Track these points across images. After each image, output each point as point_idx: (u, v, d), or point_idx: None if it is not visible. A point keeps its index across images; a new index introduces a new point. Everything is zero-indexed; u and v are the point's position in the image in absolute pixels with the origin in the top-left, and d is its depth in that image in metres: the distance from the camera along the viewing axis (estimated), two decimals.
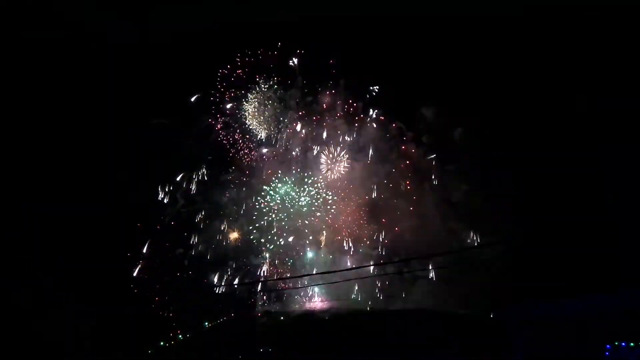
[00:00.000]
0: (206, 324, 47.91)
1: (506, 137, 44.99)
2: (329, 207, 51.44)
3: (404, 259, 46.63)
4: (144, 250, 47.67)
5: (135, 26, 48.42)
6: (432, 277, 45.61)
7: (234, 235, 50.43)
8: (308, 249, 50.31)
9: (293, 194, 51.61)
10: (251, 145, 52.85)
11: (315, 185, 51.98)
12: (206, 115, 51.64)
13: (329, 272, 43.57)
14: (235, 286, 48.42)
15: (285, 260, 50.08)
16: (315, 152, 52.04)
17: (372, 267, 44.28)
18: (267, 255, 50.13)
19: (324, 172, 51.80)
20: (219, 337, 43.82)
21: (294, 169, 51.87)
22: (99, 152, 47.37)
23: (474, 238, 46.63)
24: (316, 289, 48.38)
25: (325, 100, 52.95)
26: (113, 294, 42.16)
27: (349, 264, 47.12)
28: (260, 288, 47.61)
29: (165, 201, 49.69)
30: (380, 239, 49.93)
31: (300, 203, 51.49)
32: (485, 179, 47.07)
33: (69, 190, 44.81)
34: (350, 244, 49.64)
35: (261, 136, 52.97)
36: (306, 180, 52.02)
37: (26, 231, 42.11)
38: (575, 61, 43.68)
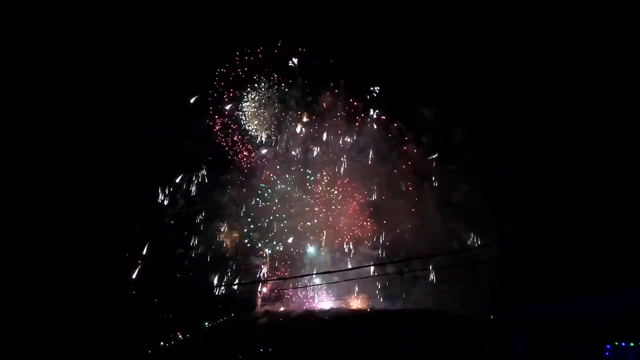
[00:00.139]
0: (206, 324, 47.90)
1: (506, 137, 45.05)
2: (331, 206, 51.50)
3: (404, 259, 46.65)
4: (144, 252, 47.63)
5: (135, 26, 48.44)
6: (432, 278, 45.69)
7: (229, 236, 50.38)
8: (309, 244, 50.32)
9: (293, 194, 51.64)
10: (250, 147, 52.91)
11: (316, 185, 52.05)
12: (206, 116, 51.70)
13: (329, 272, 43.80)
14: (235, 286, 48.42)
15: (285, 258, 50.13)
16: (315, 153, 52.13)
17: (372, 267, 44.21)
18: (267, 255, 50.18)
19: (324, 172, 51.87)
20: (219, 337, 43.78)
21: (293, 168, 51.91)
22: (99, 152, 47.44)
23: (474, 239, 46.62)
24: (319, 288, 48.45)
25: (326, 100, 52.99)
26: (113, 294, 42.16)
27: (349, 264, 47.12)
28: (260, 288, 47.56)
29: (165, 203, 49.80)
30: (381, 240, 49.98)
31: (300, 203, 51.54)
32: (485, 179, 47.14)
33: (68, 191, 44.85)
34: (351, 246, 49.60)
35: (261, 137, 53.03)
36: (307, 180, 52.10)
37: (26, 231, 42.15)
38: (575, 60, 43.71)
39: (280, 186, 51.68)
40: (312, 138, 52.56)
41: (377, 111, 53.04)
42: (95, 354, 38.83)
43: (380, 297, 48.35)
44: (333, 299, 48.37)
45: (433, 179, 50.78)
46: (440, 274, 44.35)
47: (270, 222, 50.89)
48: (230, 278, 49.42)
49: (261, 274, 49.76)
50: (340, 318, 43.34)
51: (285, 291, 48.28)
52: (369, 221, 51.00)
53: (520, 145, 44.59)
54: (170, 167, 49.98)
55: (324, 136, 52.27)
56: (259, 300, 48.89)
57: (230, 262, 50.10)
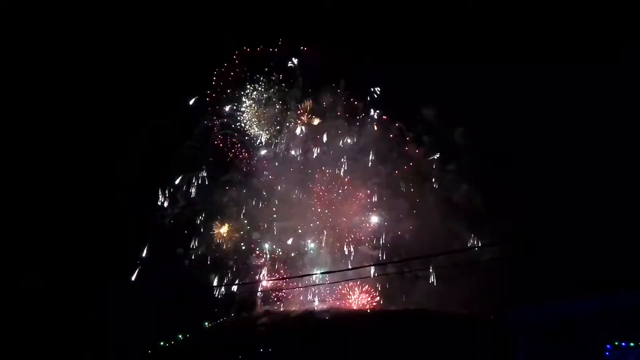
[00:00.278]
0: (206, 324, 47.89)
1: (506, 136, 45.05)
2: (331, 207, 51.46)
3: (404, 259, 46.64)
4: (144, 254, 47.54)
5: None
6: (432, 278, 45.68)
7: (222, 230, 50.24)
8: (309, 244, 50.26)
9: (293, 195, 51.60)
10: (250, 150, 52.86)
11: (316, 185, 52.01)
12: (205, 117, 51.57)
13: (328, 272, 43.83)
14: (235, 286, 48.39)
15: (285, 258, 50.09)
16: (315, 154, 52.07)
17: (372, 267, 44.16)
18: (267, 252, 50.16)
19: (324, 173, 51.83)
20: (219, 337, 43.77)
21: (292, 169, 51.86)
22: (99, 152, 47.41)
23: (474, 239, 46.57)
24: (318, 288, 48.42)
25: (326, 100, 52.94)
26: (112, 295, 42.10)
27: (349, 265, 47.11)
28: (261, 288, 47.54)
29: (165, 204, 49.75)
30: (381, 241, 49.95)
31: (300, 204, 51.50)
32: (485, 179, 47.13)
33: (68, 191, 44.85)
34: (352, 249, 49.56)
35: (260, 138, 52.97)
36: (307, 180, 52.05)
37: (25, 231, 42.16)
38: (575, 59, 43.71)
39: (280, 186, 51.63)
40: (312, 138, 52.58)
41: (377, 111, 53.11)
42: (95, 354, 38.83)
43: (380, 297, 48.38)
44: (333, 299, 48.35)
45: (433, 181, 50.85)
46: (441, 274, 44.32)
47: (270, 223, 50.89)
48: (230, 278, 49.43)
49: (261, 275, 49.79)
50: (340, 318, 43.31)
51: (285, 291, 48.27)
52: (369, 222, 51.03)
53: (520, 144, 44.55)
54: (170, 167, 50.01)
55: (324, 137, 52.28)
56: (259, 300, 48.88)
57: (231, 263, 50.14)
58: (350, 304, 48.35)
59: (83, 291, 39.85)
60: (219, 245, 50.40)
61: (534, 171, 43.91)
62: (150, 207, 48.83)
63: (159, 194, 49.55)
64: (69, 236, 43.25)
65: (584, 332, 17.74)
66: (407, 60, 48.42)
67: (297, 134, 52.35)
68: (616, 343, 17.18)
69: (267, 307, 48.51)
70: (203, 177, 51.01)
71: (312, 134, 52.62)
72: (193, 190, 50.51)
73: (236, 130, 52.70)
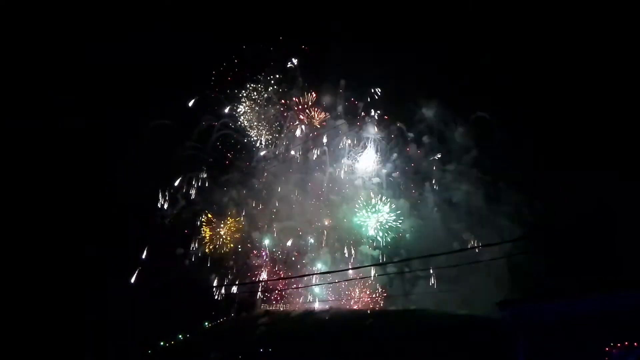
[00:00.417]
0: (206, 324, 47.92)
1: (505, 136, 45.05)
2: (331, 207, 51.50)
3: (404, 259, 46.69)
4: (144, 255, 47.49)
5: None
6: (432, 279, 45.68)
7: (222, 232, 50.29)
8: (309, 243, 50.29)
9: (293, 195, 51.63)
10: (251, 150, 52.88)
11: (316, 185, 52.05)
12: (205, 118, 51.50)
13: (329, 272, 43.82)
14: (235, 287, 48.42)
15: (285, 258, 50.13)
16: (315, 155, 52.09)
17: (372, 267, 44.22)
18: (267, 248, 50.23)
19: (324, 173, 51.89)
20: (219, 337, 43.79)
21: (291, 171, 51.88)
22: (99, 152, 47.42)
23: (474, 240, 46.58)
24: (317, 289, 48.45)
25: (326, 100, 52.98)
26: (112, 295, 42.10)
27: (349, 265, 47.12)
28: (261, 288, 47.59)
29: (165, 205, 49.74)
30: (382, 243, 49.98)
31: (300, 204, 51.51)
32: (485, 179, 47.18)
33: (68, 192, 44.86)
34: (352, 251, 49.56)
35: (260, 139, 52.99)
36: (307, 181, 52.11)
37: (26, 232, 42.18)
38: (576, 58, 43.76)
39: (280, 187, 51.64)
40: (312, 139, 52.62)
41: (378, 112, 53.12)
42: (95, 354, 38.83)
43: (380, 297, 48.38)
44: (333, 299, 48.36)
45: (434, 181, 50.89)
46: (441, 274, 44.31)
47: (271, 223, 50.92)
48: (230, 279, 49.45)
49: (261, 275, 49.79)
50: (340, 318, 43.32)
51: (285, 291, 48.28)
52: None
53: (519, 144, 44.54)
54: (170, 168, 49.98)
55: (324, 137, 52.31)
56: (259, 301, 48.90)
57: (231, 263, 50.17)
58: (351, 304, 48.37)
59: (83, 291, 39.89)
60: (218, 245, 50.45)
61: (535, 172, 43.86)
62: (150, 207, 48.93)
63: (159, 195, 49.58)
64: (69, 236, 43.25)
65: (584, 332, 17.73)
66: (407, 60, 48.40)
67: (297, 134, 52.44)
68: (617, 344, 17.19)
69: (267, 307, 48.58)
70: (203, 178, 51.05)
71: (312, 134, 52.71)
72: (193, 191, 50.57)
73: (236, 130, 52.78)
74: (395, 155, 51.96)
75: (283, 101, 53.05)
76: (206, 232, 50.22)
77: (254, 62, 52.28)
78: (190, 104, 50.54)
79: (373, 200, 49.95)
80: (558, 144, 43.47)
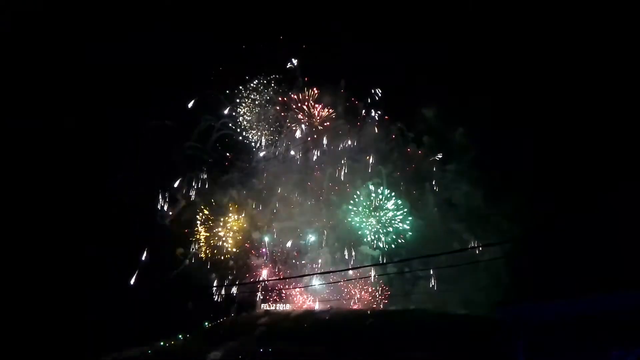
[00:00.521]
0: (206, 324, 47.89)
1: (505, 136, 45.02)
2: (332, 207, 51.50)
3: (404, 259, 46.70)
4: (143, 257, 47.43)
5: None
6: (432, 279, 45.71)
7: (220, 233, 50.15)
8: (309, 244, 50.29)
9: (293, 195, 51.62)
10: (251, 149, 52.85)
11: (316, 186, 52.04)
12: (205, 118, 51.50)
13: (329, 272, 43.84)
14: (235, 286, 48.40)
15: (285, 258, 50.13)
16: (315, 156, 52.09)
17: (372, 267, 44.24)
18: (266, 246, 50.24)
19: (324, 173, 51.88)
20: (219, 337, 43.76)
21: (290, 172, 51.83)
22: (98, 153, 47.36)
23: (474, 240, 46.59)
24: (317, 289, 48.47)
25: (326, 101, 52.97)
26: (112, 295, 42.12)
27: (349, 265, 47.15)
28: (261, 288, 47.61)
29: (165, 206, 49.70)
30: (382, 243, 49.97)
31: (300, 204, 51.51)
32: (485, 179, 47.15)
33: (68, 192, 44.83)
34: (353, 251, 49.57)
35: (260, 139, 52.96)
36: (307, 181, 52.10)
37: (27, 232, 42.15)
38: (575, 59, 43.71)
39: (280, 187, 51.64)
40: (312, 139, 52.63)
41: (379, 112, 53.13)
42: (95, 354, 38.84)
43: (380, 297, 48.40)
44: (333, 299, 48.40)
45: (434, 182, 50.90)
46: (441, 274, 44.34)
47: (271, 223, 50.93)
48: (230, 279, 49.45)
49: (261, 275, 49.79)
50: (340, 318, 43.34)
51: (285, 291, 48.30)
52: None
53: (519, 144, 44.52)
54: (170, 169, 49.96)
55: (325, 137, 52.32)
56: (259, 301, 48.90)
57: (231, 263, 50.17)
58: (351, 303, 48.40)
59: (83, 291, 39.87)
60: (219, 246, 50.47)
61: (534, 170, 43.84)
62: (151, 208, 48.88)
63: (159, 195, 49.54)
64: (70, 237, 43.22)
65: (584, 332, 17.71)
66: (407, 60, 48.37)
67: (297, 134, 52.45)
68: (619, 344, 17.16)
69: (267, 307, 48.57)
70: (203, 178, 51.01)
71: (312, 135, 52.71)
72: (192, 192, 50.54)
73: (236, 130, 52.76)
74: (395, 155, 52.02)
75: (281, 99, 52.98)
76: (200, 233, 49.93)
77: (254, 62, 52.27)
78: (190, 104, 50.41)
79: (374, 201, 50.04)
80: (558, 144, 43.48)
